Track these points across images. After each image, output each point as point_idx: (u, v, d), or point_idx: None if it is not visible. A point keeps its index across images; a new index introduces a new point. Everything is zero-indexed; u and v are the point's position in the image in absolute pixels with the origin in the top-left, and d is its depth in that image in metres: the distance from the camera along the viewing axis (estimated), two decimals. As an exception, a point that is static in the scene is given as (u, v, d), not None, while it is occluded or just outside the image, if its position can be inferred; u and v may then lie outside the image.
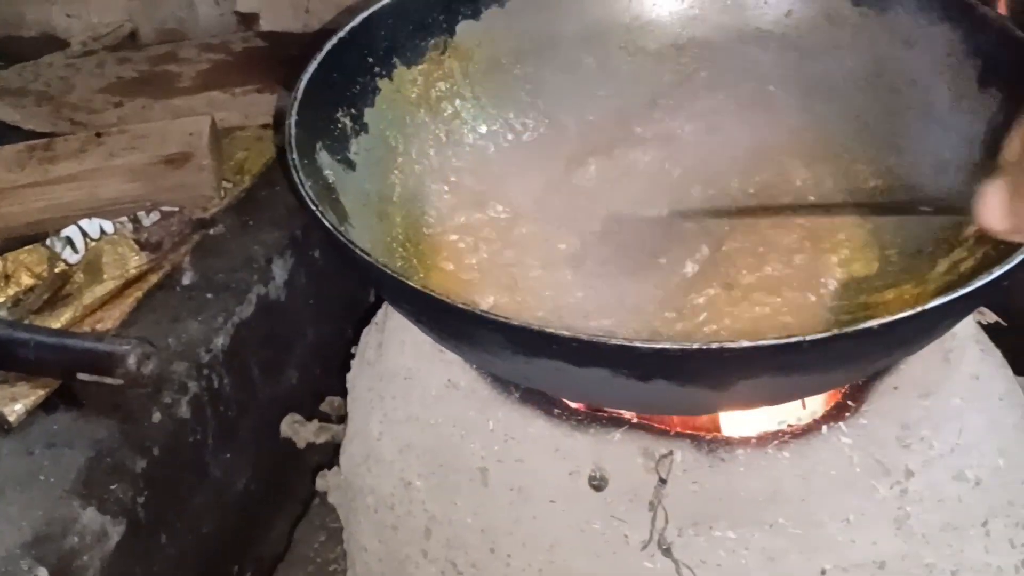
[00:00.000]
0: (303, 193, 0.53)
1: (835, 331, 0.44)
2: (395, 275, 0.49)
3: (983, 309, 0.69)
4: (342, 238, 0.50)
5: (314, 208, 0.52)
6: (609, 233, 0.64)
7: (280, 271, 0.90)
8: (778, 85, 0.72)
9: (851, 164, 0.69)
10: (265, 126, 0.96)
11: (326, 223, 0.51)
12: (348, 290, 1.00)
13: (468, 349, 0.55)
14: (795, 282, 0.62)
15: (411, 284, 0.48)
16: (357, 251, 0.50)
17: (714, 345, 0.44)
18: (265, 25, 1.03)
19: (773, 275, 0.62)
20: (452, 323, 0.51)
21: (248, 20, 1.04)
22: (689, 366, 0.46)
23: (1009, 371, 0.70)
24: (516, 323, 0.46)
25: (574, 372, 0.48)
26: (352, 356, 0.80)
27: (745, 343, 0.44)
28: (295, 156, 0.56)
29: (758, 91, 0.72)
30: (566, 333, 0.45)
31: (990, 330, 0.71)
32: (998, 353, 0.70)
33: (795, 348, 0.44)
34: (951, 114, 0.65)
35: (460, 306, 0.47)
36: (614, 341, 0.44)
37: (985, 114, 0.63)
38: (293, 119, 0.58)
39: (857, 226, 0.65)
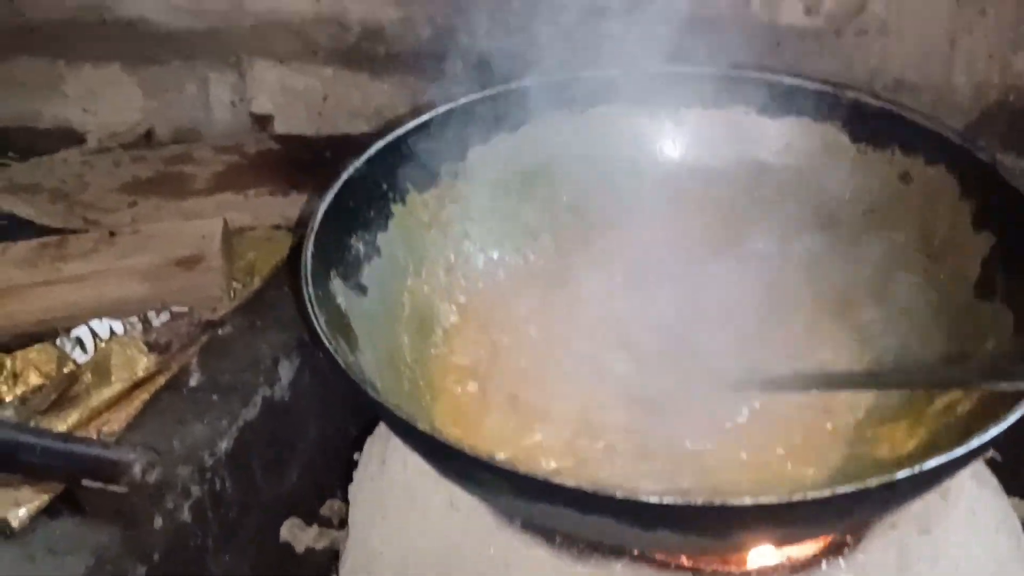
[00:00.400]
0: (318, 328, 0.55)
1: (834, 490, 0.45)
2: (404, 418, 0.50)
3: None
4: (354, 376, 0.52)
5: (329, 345, 0.53)
6: (614, 368, 0.66)
7: (286, 372, 0.91)
8: (776, 213, 0.74)
9: (848, 303, 0.70)
10: (276, 226, 0.97)
11: (340, 361, 0.52)
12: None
13: (472, 488, 0.56)
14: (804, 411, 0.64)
15: (418, 427, 0.49)
16: (368, 391, 0.51)
17: (717, 501, 0.45)
18: (279, 128, 1.06)
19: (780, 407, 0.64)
20: (457, 465, 0.52)
21: (263, 122, 1.06)
22: (693, 519, 0.47)
23: (1004, 498, 0.71)
24: (522, 472, 0.47)
25: (578, 517, 0.49)
26: (355, 459, 0.80)
27: (748, 500, 0.45)
28: (311, 290, 0.57)
29: (756, 218, 0.75)
30: (571, 483, 0.46)
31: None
32: (994, 481, 0.71)
33: (796, 506, 0.45)
34: (947, 251, 0.67)
35: (466, 452, 0.48)
36: (619, 494, 0.45)
37: (979, 255, 0.65)
38: (310, 251, 0.60)
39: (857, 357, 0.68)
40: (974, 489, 0.65)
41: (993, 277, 0.63)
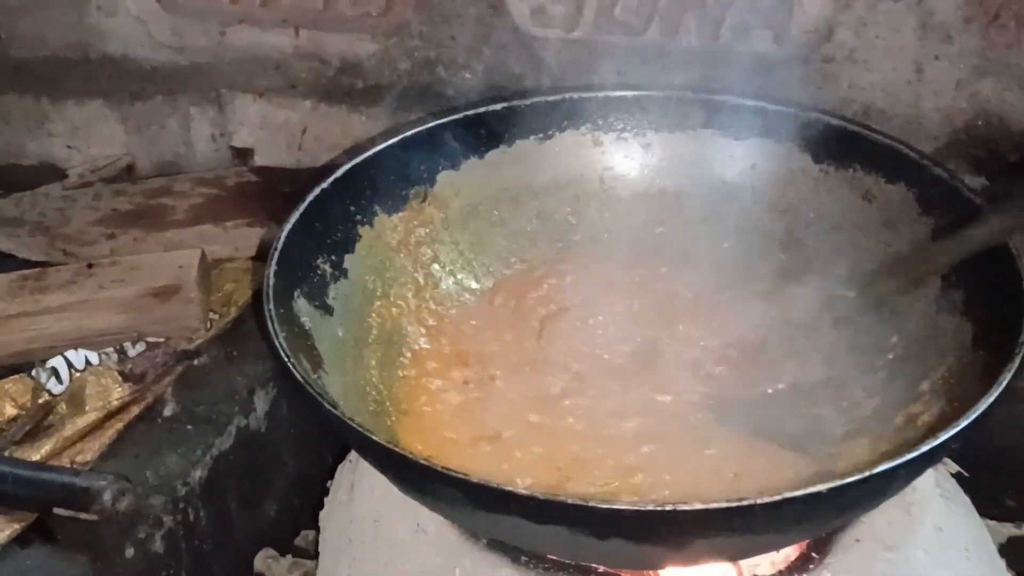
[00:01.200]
0: (276, 345, 0.55)
1: (785, 495, 0.45)
2: (360, 430, 0.50)
3: (945, 459, 0.70)
4: (311, 391, 0.52)
5: (287, 361, 0.54)
6: (583, 385, 0.66)
7: (262, 403, 0.91)
8: (744, 232, 0.75)
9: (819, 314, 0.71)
10: (254, 258, 0.98)
11: (298, 376, 0.53)
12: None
13: (431, 503, 0.56)
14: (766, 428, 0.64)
15: (373, 438, 0.50)
16: (325, 405, 0.51)
17: (667, 507, 0.45)
18: (259, 160, 1.07)
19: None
20: (412, 477, 0.52)
21: (243, 155, 1.08)
22: (644, 526, 0.47)
23: (976, 517, 0.71)
24: (474, 480, 0.47)
25: (534, 528, 0.49)
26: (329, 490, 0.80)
27: (697, 505, 0.45)
28: (271, 306, 0.58)
29: (723, 238, 0.75)
30: (523, 491, 0.46)
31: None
32: (964, 499, 0.71)
33: (746, 511, 0.45)
34: (907, 265, 0.68)
35: (420, 461, 0.48)
36: (569, 500, 0.45)
37: (938, 268, 0.65)
38: (272, 269, 0.61)
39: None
40: (941, 505, 0.65)
41: (952, 291, 0.63)
